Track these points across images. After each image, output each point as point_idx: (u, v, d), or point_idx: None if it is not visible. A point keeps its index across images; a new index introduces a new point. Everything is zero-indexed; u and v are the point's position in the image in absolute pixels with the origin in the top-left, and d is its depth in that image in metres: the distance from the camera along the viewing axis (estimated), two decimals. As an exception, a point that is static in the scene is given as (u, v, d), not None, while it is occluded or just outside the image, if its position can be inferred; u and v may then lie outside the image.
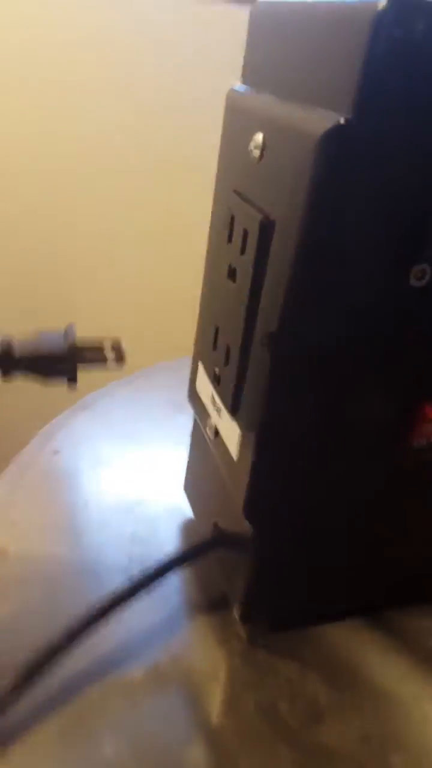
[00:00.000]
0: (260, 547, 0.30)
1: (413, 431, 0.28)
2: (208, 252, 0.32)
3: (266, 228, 0.25)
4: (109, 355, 0.29)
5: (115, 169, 0.91)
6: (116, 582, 0.32)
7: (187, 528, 0.40)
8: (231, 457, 0.30)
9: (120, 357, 0.29)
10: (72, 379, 0.28)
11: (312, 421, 0.27)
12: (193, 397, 0.35)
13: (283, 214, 0.24)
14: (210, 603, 0.35)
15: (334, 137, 0.21)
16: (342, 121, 0.21)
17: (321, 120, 0.21)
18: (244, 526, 0.30)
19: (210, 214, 0.32)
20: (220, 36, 0.82)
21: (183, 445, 0.40)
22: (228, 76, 0.31)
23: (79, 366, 0.28)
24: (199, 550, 0.33)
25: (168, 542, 0.39)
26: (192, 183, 0.93)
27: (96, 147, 0.90)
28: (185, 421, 0.38)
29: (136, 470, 0.45)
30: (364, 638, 0.34)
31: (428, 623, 0.35)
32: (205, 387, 0.33)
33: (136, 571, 0.36)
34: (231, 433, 0.29)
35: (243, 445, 0.28)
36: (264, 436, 0.27)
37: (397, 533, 0.32)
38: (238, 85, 0.29)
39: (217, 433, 0.32)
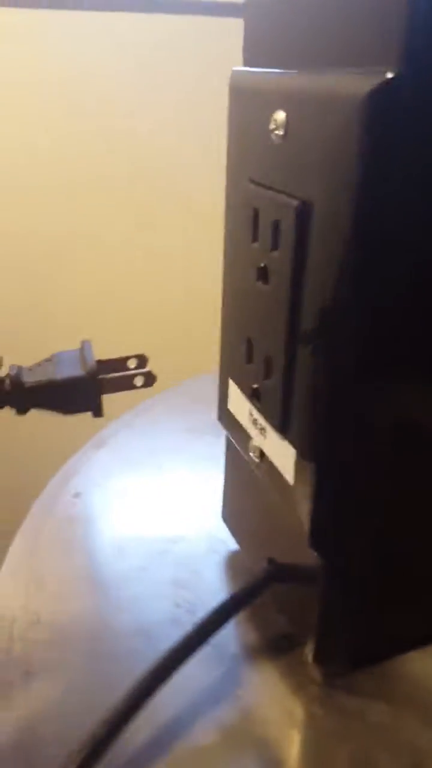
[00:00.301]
0: (331, 578, 0.27)
1: None
2: (227, 257, 0.29)
3: (304, 214, 0.22)
4: (137, 379, 0.25)
5: (112, 181, 0.89)
6: (167, 636, 0.29)
7: (234, 562, 0.36)
8: (285, 482, 0.26)
9: (149, 378, 0.25)
10: (97, 412, 0.24)
11: (382, 430, 0.23)
12: (227, 417, 0.32)
13: (325, 196, 0.21)
14: (272, 646, 0.32)
15: (384, 95, 0.18)
16: (389, 75, 0.17)
17: (361, 79, 0.18)
18: (308, 557, 0.26)
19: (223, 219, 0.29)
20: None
21: (211, 472, 0.36)
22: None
23: (104, 393, 0.25)
24: (256, 589, 0.30)
25: (215, 582, 0.35)
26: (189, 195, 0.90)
27: (99, 159, 0.87)
28: (207, 446, 0.35)
29: (166, 505, 0.41)
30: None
31: None
32: (241, 406, 0.29)
33: (185, 619, 0.33)
34: (283, 454, 0.26)
35: (300, 466, 0.25)
36: (326, 455, 0.23)
37: None
38: (239, 67, 0.26)
39: (262, 455, 0.28)
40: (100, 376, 0.24)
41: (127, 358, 0.26)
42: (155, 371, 0.45)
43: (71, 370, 0.24)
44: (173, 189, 0.90)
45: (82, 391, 0.24)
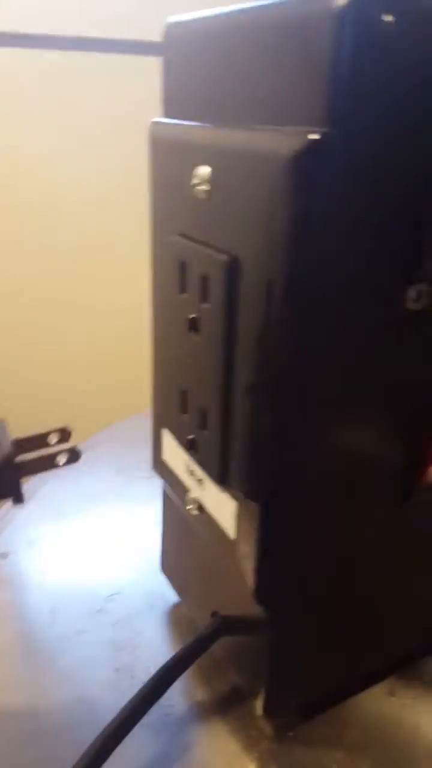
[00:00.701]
0: (277, 630, 0.26)
1: (427, 464, 0.25)
2: (155, 307, 0.28)
3: (232, 270, 0.22)
4: (60, 456, 0.24)
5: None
6: (109, 704, 0.27)
7: (175, 616, 0.35)
8: (226, 535, 0.26)
9: (73, 454, 0.24)
10: (17, 499, 0.23)
11: (322, 474, 0.23)
12: (162, 467, 0.31)
13: (252, 251, 0.21)
14: (220, 701, 0.31)
15: (309, 155, 0.18)
16: (316, 136, 0.18)
17: (288, 139, 0.18)
18: (254, 608, 0.26)
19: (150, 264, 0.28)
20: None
21: (146, 519, 0.35)
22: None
23: (23, 476, 0.23)
24: (202, 645, 0.29)
25: (156, 641, 0.34)
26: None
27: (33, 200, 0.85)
28: (142, 491, 0.34)
29: (100, 559, 0.40)
30: (406, 697, 0.30)
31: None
32: (177, 456, 0.29)
33: (126, 684, 0.31)
34: (222, 507, 0.25)
35: (242, 519, 0.24)
36: (270, 505, 0.23)
37: (422, 581, 0.29)
38: (160, 118, 0.26)
39: (201, 508, 0.28)
40: (19, 459, 0.23)
41: (48, 433, 0.25)
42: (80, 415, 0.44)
43: None
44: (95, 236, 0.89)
45: None
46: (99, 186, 0.86)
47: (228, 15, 0.22)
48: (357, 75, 0.17)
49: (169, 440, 0.29)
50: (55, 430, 0.24)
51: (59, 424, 0.27)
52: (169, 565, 0.35)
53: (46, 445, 0.25)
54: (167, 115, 0.26)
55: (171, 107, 0.26)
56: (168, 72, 0.25)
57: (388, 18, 0.17)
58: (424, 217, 0.20)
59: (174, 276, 0.25)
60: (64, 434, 0.24)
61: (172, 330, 0.26)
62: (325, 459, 0.23)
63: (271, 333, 0.21)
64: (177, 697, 0.31)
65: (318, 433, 0.22)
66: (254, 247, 0.21)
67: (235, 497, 0.25)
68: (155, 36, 0.26)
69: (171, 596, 0.36)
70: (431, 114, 0.19)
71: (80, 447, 0.51)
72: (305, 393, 0.21)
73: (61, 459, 0.24)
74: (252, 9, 0.20)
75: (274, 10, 0.19)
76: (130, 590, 0.37)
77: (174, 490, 0.30)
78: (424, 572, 0.30)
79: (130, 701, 0.27)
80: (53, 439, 0.24)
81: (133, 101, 0.69)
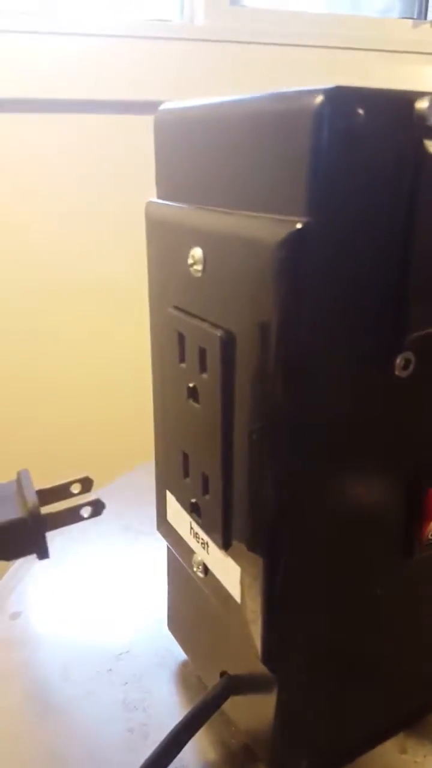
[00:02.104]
0: (285, 690, 0.26)
1: (426, 521, 0.26)
2: (156, 372, 0.29)
3: (228, 344, 0.23)
4: (84, 509, 0.24)
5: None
6: (122, 765, 0.27)
7: (184, 674, 0.35)
8: (232, 598, 0.26)
9: (98, 506, 0.24)
10: (42, 554, 0.23)
11: (323, 534, 0.24)
12: (166, 529, 0.32)
13: (246, 328, 0.22)
14: (233, 760, 0.31)
15: (293, 244, 0.19)
16: (299, 225, 0.19)
17: (274, 227, 0.19)
18: (261, 669, 0.26)
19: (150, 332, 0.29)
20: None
21: (154, 576, 0.35)
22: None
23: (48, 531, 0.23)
24: (212, 706, 0.29)
25: (167, 699, 0.34)
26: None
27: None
28: (147, 546, 0.34)
29: (109, 618, 0.40)
30: (418, 755, 0.30)
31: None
32: (181, 519, 0.29)
33: (139, 744, 0.31)
34: (228, 571, 0.26)
35: (247, 583, 0.25)
36: (274, 568, 0.23)
37: (425, 635, 0.30)
38: (156, 199, 0.28)
39: (207, 570, 0.28)
40: (43, 512, 0.23)
41: (70, 483, 0.25)
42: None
43: (8, 511, 0.23)
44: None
45: (23, 533, 0.22)
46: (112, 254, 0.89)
47: (215, 105, 0.23)
48: (334, 167, 0.19)
49: (173, 502, 0.30)
50: (77, 480, 0.25)
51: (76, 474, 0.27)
52: (176, 624, 0.35)
53: (69, 495, 0.25)
54: (160, 194, 0.27)
55: (163, 188, 0.27)
56: (159, 154, 0.27)
57: (361, 112, 0.18)
58: (403, 294, 0.21)
59: (173, 346, 0.26)
60: (86, 483, 0.25)
61: (173, 396, 0.27)
62: (326, 520, 0.24)
63: (266, 403, 0.22)
64: (189, 756, 0.31)
65: (318, 495, 0.23)
66: (247, 323, 0.22)
67: (239, 561, 0.25)
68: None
69: (179, 654, 0.36)
70: (402, 199, 0.20)
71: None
72: (303, 458, 0.22)
73: (86, 512, 0.24)
74: (237, 101, 0.22)
75: (257, 103, 0.21)
76: (138, 649, 0.37)
77: (179, 551, 0.31)
78: (426, 626, 0.30)
79: (143, 765, 0.27)
80: (76, 488, 0.25)
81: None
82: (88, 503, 0.24)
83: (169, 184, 0.27)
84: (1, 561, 0.23)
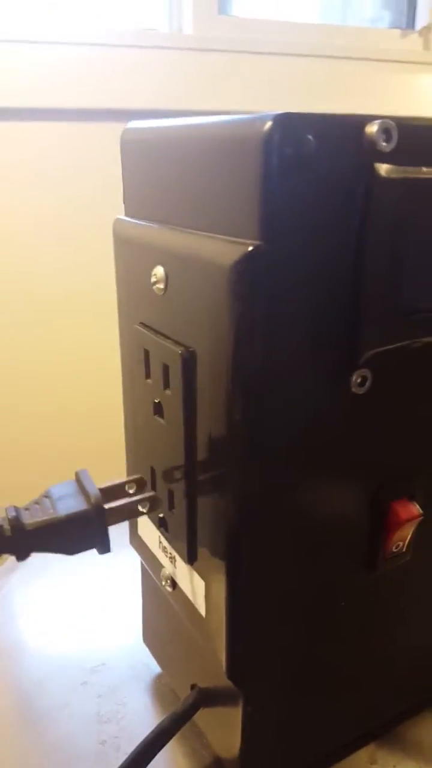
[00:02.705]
0: (252, 703, 0.27)
1: (389, 535, 0.26)
2: (125, 387, 0.30)
3: (189, 361, 0.23)
4: (142, 503, 0.24)
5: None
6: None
7: (158, 686, 0.35)
8: (198, 612, 0.26)
9: (154, 502, 0.24)
10: (103, 547, 0.23)
11: (287, 555, 0.24)
12: (138, 543, 0.32)
13: (205, 345, 0.22)
14: (205, 772, 0.31)
15: (245, 266, 0.19)
16: (250, 249, 0.19)
17: (229, 249, 0.20)
18: (227, 682, 0.26)
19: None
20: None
21: (131, 589, 0.36)
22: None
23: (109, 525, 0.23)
24: (181, 718, 0.29)
25: (141, 712, 0.34)
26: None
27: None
28: (127, 558, 0.34)
29: (86, 630, 0.40)
30: (387, 764, 0.30)
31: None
32: (151, 532, 0.30)
33: (112, 756, 0.31)
34: (193, 585, 0.26)
35: (212, 598, 0.25)
36: (237, 586, 0.24)
37: (395, 648, 0.30)
38: (124, 217, 0.28)
39: (174, 584, 0.28)
40: (106, 506, 0.23)
41: (125, 482, 0.25)
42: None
43: (73, 504, 0.23)
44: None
45: (87, 526, 0.23)
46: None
47: (177, 128, 0.24)
48: (285, 192, 0.19)
49: (143, 516, 0.30)
50: (132, 480, 0.25)
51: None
52: (150, 637, 0.36)
53: (126, 494, 0.25)
54: (128, 212, 0.28)
55: (130, 205, 0.27)
56: (126, 173, 0.27)
57: (311, 138, 0.19)
58: (356, 314, 0.21)
59: (139, 362, 0.26)
60: (140, 484, 0.25)
61: (140, 412, 0.27)
62: (288, 534, 0.24)
63: (226, 419, 0.22)
64: (161, 767, 0.31)
65: (280, 509, 0.23)
66: (206, 341, 0.22)
67: (204, 576, 0.25)
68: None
69: (155, 667, 0.36)
70: (354, 222, 0.20)
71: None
72: (264, 474, 0.22)
73: (143, 506, 0.24)
74: (196, 125, 0.22)
75: (213, 128, 0.21)
76: (114, 662, 0.37)
77: (150, 565, 0.31)
78: (397, 639, 0.30)
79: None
80: (131, 488, 0.25)
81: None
82: (146, 498, 0.24)
83: (134, 202, 0.27)
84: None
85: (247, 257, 0.19)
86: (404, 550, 0.27)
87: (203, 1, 1.01)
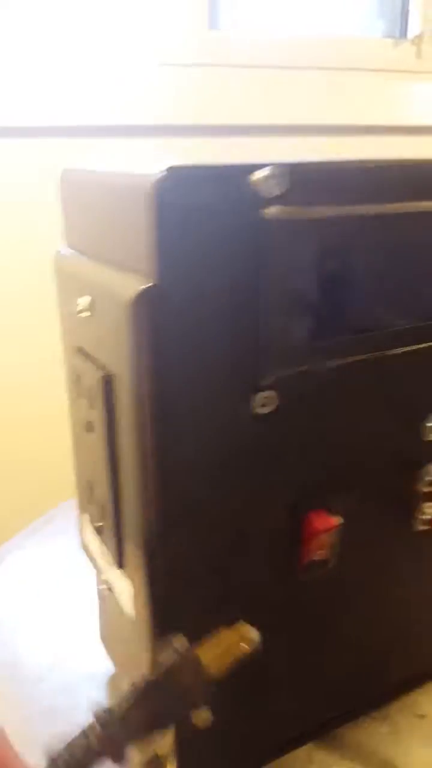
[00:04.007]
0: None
1: (306, 544, 0.28)
2: (70, 404, 0.32)
3: (108, 384, 0.25)
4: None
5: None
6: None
7: (113, 683, 0.37)
8: (128, 614, 0.28)
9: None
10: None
11: (204, 563, 0.26)
12: (85, 549, 0.34)
13: (119, 369, 0.24)
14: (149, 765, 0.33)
15: (143, 300, 0.21)
16: (146, 286, 0.21)
17: (131, 284, 0.22)
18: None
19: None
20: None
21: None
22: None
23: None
24: (120, 714, 0.31)
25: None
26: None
27: None
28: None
29: (50, 629, 0.42)
30: (325, 764, 0.32)
31: (379, 729, 0.34)
32: (93, 540, 0.32)
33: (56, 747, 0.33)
34: (124, 588, 0.28)
35: (137, 602, 0.27)
36: (157, 593, 0.26)
37: (323, 653, 0.31)
38: (64, 248, 0.30)
39: (110, 588, 0.30)
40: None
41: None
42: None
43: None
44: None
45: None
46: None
47: (99, 174, 0.26)
48: (176, 237, 0.21)
49: (86, 524, 0.32)
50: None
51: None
52: (104, 636, 0.38)
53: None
54: (67, 243, 0.30)
55: (68, 238, 0.30)
56: (63, 209, 0.29)
57: (197, 189, 0.21)
58: (253, 344, 0.23)
59: (74, 383, 0.29)
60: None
61: (78, 429, 0.30)
62: (204, 545, 0.26)
63: (140, 438, 0.24)
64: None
65: (194, 521, 0.25)
66: (119, 366, 0.24)
67: (131, 580, 0.27)
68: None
69: (111, 665, 0.38)
70: (245, 262, 0.22)
71: (43, 519, 0.54)
72: (176, 489, 0.24)
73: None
74: (113, 174, 0.24)
75: (122, 178, 0.23)
76: (71, 659, 0.39)
77: (94, 569, 0.33)
78: (329, 644, 0.32)
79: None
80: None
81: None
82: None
83: (70, 236, 0.29)
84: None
85: (143, 293, 0.21)
86: (327, 558, 0.29)
87: (193, 17, 1.03)
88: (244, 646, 0.25)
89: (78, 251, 0.28)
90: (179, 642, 0.25)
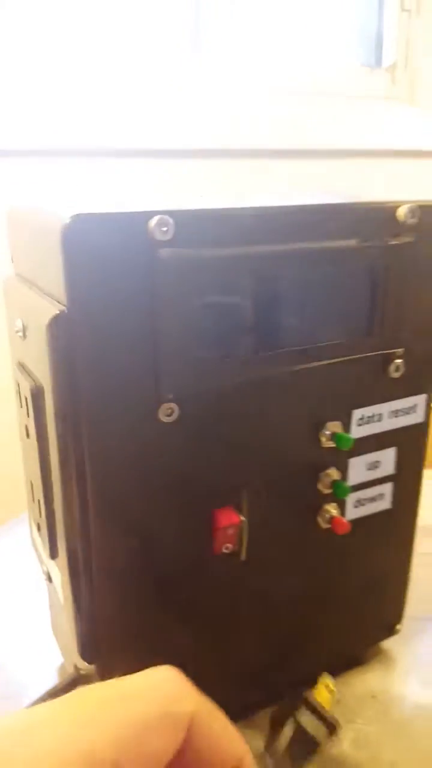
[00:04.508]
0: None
1: (214, 539, 0.31)
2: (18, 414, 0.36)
3: (37, 395, 0.29)
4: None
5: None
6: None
7: (63, 673, 0.41)
8: (62, 602, 0.32)
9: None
10: None
11: (123, 554, 0.29)
12: (32, 542, 0.38)
13: (45, 383, 0.28)
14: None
15: (56, 325, 0.25)
16: (57, 312, 0.25)
17: (50, 310, 0.26)
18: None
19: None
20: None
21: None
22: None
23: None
24: (56, 695, 0.35)
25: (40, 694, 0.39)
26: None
27: None
28: None
29: (5, 621, 0.46)
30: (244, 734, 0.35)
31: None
32: (36, 536, 0.35)
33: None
34: (57, 578, 0.32)
35: (66, 589, 0.31)
36: (81, 581, 0.29)
37: (235, 635, 0.35)
38: (11, 273, 0.34)
39: (50, 578, 0.34)
40: None
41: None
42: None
43: None
44: None
45: None
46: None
47: (31, 210, 0.30)
48: (82, 273, 0.25)
49: (32, 521, 0.36)
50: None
51: None
52: (53, 627, 0.41)
53: None
54: (14, 267, 0.34)
55: (14, 262, 0.34)
56: (9, 240, 0.34)
57: (100, 231, 0.25)
58: (155, 367, 0.27)
59: (17, 393, 0.32)
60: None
61: (21, 434, 0.33)
62: (126, 539, 0.29)
63: (63, 444, 0.28)
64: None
65: (115, 518, 0.29)
66: (45, 380, 0.28)
67: (62, 570, 0.31)
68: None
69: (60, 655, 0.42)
70: (144, 295, 0.26)
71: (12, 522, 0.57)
72: (96, 488, 0.28)
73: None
74: (38, 211, 0.28)
75: (44, 215, 0.27)
76: (23, 650, 0.43)
77: (39, 562, 0.37)
78: (245, 630, 0.35)
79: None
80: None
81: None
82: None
83: (16, 261, 0.33)
84: None
85: (55, 318, 0.25)
86: (236, 550, 0.32)
87: (175, 40, 1.08)
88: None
89: (20, 276, 0.33)
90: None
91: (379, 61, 1.22)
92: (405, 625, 0.42)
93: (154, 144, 1.00)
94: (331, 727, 0.34)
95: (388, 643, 0.43)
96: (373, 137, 1.18)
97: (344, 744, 0.36)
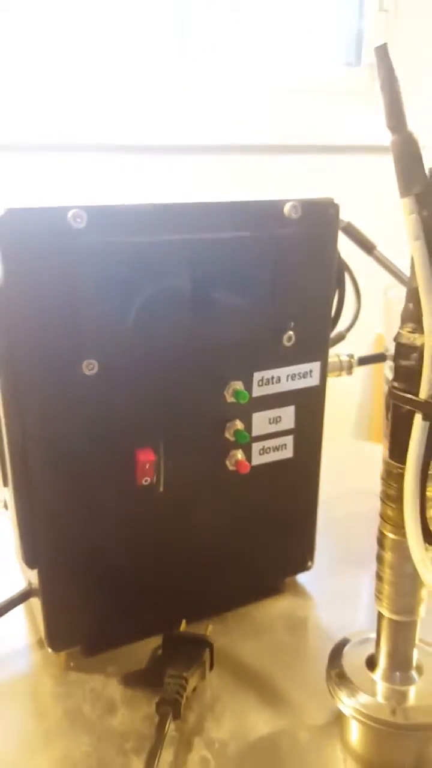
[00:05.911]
0: (45, 583, 0.39)
1: (136, 472, 0.39)
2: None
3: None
4: None
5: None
6: None
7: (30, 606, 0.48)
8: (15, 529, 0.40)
9: None
10: None
11: (60, 483, 0.37)
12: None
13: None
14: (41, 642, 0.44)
15: (-7, 295, 0.33)
16: (-3, 284, 0.33)
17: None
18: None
19: None
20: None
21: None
22: None
23: None
24: (11, 605, 0.42)
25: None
26: None
27: None
28: None
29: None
30: (165, 655, 0.43)
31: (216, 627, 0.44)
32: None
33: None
34: (11, 502, 0.40)
35: (10, 501, 0.38)
36: (24, 506, 0.37)
37: (162, 558, 0.42)
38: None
39: (6, 505, 0.42)
40: None
41: None
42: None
43: None
44: None
45: None
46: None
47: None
48: (15, 257, 0.32)
49: None
50: None
51: None
52: (16, 552, 0.49)
53: None
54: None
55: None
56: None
57: (26, 225, 0.32)
58: (77, 325, 0.34)
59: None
60: None
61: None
62: (60, 471, 0.37)
63: (5, 400, 0.35)
64: (16, 634, 0.44)
65: (50, 454, 0.36)
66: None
67: (11, 495, 0.39)
68: None
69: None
70: (66, 278, 0.33)
71: None
72: (35, 435, 0.36)
73: None
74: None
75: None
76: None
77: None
78: (166, 554, 0.42)
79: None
80: None
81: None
82: None
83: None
84: None
85: (-8, 291, 0.33)
86: (154, 483, 0.40)
87: (163, 42, 1.14)
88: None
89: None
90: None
91: (359, 60, 1.27)
92: (330, 567, 0.50)
93: (131, 140, 1.07)
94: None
95: (304, 579, 0.50)
96: (353, 132, 1.24)
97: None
